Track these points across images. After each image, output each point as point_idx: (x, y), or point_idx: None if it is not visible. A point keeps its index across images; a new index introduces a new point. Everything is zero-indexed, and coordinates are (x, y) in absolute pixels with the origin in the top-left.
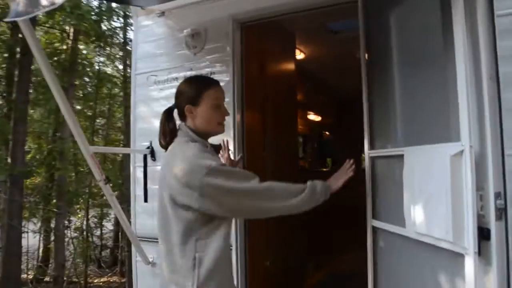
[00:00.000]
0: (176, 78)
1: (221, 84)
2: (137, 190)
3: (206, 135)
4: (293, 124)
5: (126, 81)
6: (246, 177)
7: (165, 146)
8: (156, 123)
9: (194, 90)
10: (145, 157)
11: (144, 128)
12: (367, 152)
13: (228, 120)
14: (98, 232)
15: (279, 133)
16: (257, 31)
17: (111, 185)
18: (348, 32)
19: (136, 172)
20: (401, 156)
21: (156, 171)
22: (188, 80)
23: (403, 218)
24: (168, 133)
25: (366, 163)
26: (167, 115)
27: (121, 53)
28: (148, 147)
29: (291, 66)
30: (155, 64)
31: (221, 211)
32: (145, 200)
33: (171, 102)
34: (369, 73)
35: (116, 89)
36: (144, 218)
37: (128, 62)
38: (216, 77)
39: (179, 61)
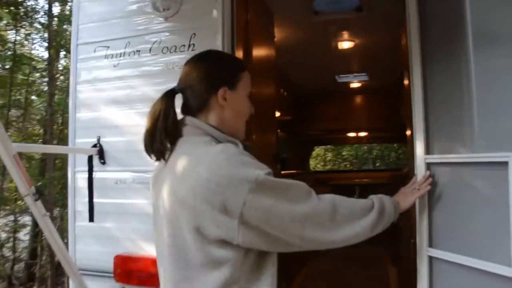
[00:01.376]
0: (138, 51)
1: None
2: (77, 205)
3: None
4: (273, 123)
5: (50, 63)
6: (302, 192)
7: (160, 152)
8: (108, 112)
9: (231, 67)
10: (90, 159)
11: (89, 119)
12: (422, 157)
13: None
14: (9, 244)
15: (262, 132)
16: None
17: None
18: (330, 15)
19: (77, 180)
20: (497, 164)
21: (106, 178)
22: (213, 55)
23: (498, 251)
24: (170, 131)
25: (419, 172)
26: (171, 102)
27: (42, 31)
28: (95, 145)
29: (271, 52)
30: (106, 31)
31: (266, 244)
32: (91, 219)
33: (130, 83)
34: (427, 47)
35: (36, 75)
36: (88, 243)
37: (54, 43)
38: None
39: (143, 28)
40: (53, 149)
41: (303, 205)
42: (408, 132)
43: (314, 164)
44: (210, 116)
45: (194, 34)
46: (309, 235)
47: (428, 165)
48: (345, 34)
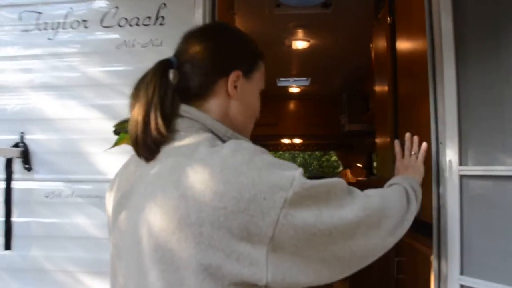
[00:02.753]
0: (84, 22)
1: None
2: None
3: None
4: None
5: None
6: (344, 191)
7: (156, 147)
8: (37, 100)
9: (249, 49)
10: (9, 163)
11: (7, 110)
12: (455, 168)
13: None
14: None
15: None
16: None
17: None
18: (293, 8)
19: None
20: None
21: (32, 190)
22: (227, 30)
23: None
24: (168, 117)
25: (449, 186)
26: (166, 77)
27: None
28: (16, 145)
29: None
30: None
31: (304, 276)
32: (7, 246)
33: (71, 62)
34: (460, 44)
35: None
36: (3, 279)
37: None
38: (168, 31)
39: None
40: None
41: (351, 207)
42: (380, 140)
43: None
44: (210, 106)
45: (164, 4)
46: (362, 245)
47: (461, 178)
48: (302, 33)
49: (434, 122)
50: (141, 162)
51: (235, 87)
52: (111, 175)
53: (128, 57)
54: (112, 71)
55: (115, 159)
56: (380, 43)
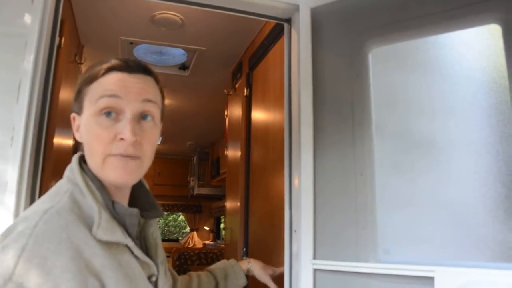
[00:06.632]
0: None
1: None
2: None
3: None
4: None
5: None
6: None
7: None
8: None
9: (79, 83)
10: None
11: None
12: (308, 261)
13: None
14: None
15: None
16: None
17: None
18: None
19: None
20: (416, 279)
21: None
22: None
23: None
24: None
25: (302, 280)
26: None
27: None
28: None
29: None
30: None
31: None
32: None
33: None
34: (319, 124)
35: None
36: None
37: None
38: None
39: None
40: None
41: None
42: (230, 204)
43: None
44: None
45: None
46: None
47: (315, 272)
48: None
49: (288, 208)
50: None
51: (77, 128)
52: None
53: None
54: None
55: None
56: (236, 112)
